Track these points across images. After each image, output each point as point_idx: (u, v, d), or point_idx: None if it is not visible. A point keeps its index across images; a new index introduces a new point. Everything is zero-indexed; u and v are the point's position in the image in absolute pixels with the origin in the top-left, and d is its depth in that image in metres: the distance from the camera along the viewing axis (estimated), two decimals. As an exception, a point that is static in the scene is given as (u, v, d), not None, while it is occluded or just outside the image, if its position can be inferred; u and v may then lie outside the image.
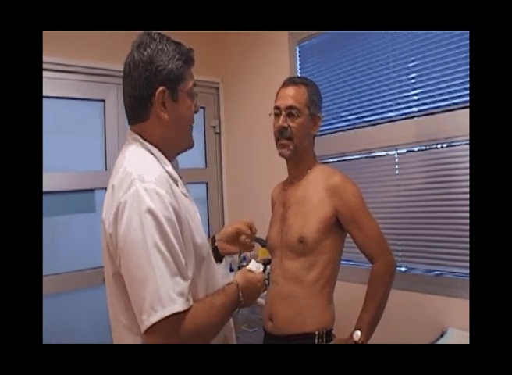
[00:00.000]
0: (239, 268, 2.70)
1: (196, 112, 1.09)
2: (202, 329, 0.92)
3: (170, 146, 1.04)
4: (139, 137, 1.02)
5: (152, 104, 0.99)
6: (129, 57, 1.01)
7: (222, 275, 1.15)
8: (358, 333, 1.30)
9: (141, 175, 0.91)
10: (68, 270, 2.29)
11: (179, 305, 0.86)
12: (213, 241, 1.29)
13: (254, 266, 1.13)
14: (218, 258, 1.27)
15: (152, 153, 1.00)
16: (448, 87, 1.75)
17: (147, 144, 1.01)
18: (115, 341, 1.01)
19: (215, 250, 1.26)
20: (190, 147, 1.11)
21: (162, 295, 0.84)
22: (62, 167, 2.29)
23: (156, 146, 1.02)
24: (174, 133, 1.03)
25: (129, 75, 1.00)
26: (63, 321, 2.22)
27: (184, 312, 0.87)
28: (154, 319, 0.84)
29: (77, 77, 2.35)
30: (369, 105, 2.06)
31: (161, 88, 0.98)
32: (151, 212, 0.87)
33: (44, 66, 2.09)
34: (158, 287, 0.85)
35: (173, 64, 0.99)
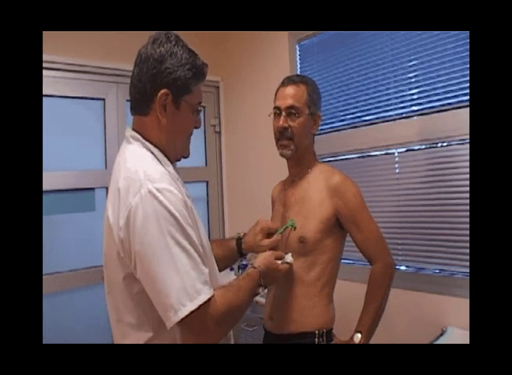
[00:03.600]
0: (239, 267, 2.70)
1: (197, 128, 1.09)
2: (232, 310, 0.95)
3: (167, 149, 1.03)
4: (139, 136, 1.01)
5: (153, 101, 0.99)
6: (142, 48, 1.01)
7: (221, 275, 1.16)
8: (359, 335, 1.29)
9: (149, 175, 0.91)
10: (68, 269, 2.29)
11: (205, 294, 0.88)
12: (238, 239, 1.35)
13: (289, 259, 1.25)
14: (240, 254, 1.36)
15: (153, 153, 1.00)
16: (450, 85, 1.74)
17: (148, 144, 1.00)
18: (116, 340, 1.01)
19: (238, 246, 1.35)
20: (185, 156, 1.10)
21: (189, 290, 0.86)
22: (62, 166, 2.28)
23: (156, 146, 1.01)
24: (171, 138, 1.03)
25: (138, 65, 1.00)
26: (62, 320, 2.22)
27: (212, 296, 0.90)
28: (184, 312, 0.85)
29: (77, 76, 2.35)
30: (370, 104, 2.06)
31: (164, 90, 0.97)
32: (167, 210, 0.87)
33: (44, 64, 2.09)
34: (184, 283, 0.86)
35: (182, 72, 0.98)
